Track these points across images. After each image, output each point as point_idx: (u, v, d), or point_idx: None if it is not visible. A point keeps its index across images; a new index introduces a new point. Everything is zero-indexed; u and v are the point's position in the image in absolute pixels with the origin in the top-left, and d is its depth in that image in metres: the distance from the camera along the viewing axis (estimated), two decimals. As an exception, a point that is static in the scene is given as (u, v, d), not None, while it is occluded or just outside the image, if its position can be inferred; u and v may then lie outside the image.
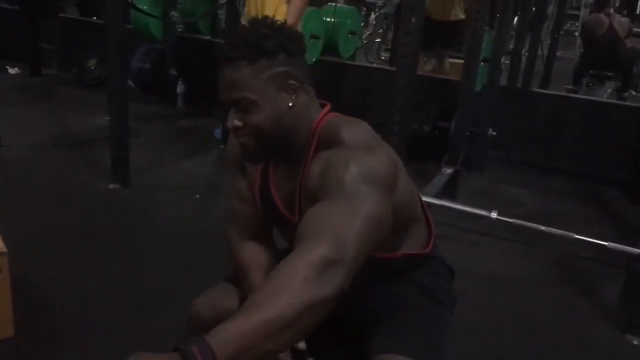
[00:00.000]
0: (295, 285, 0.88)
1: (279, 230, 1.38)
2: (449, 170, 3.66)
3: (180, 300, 1.48)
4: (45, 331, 2.13)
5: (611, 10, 6.11)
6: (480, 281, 2.69)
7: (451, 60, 5.07)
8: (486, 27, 3.91)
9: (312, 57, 4.47)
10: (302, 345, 1.29)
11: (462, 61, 4.03)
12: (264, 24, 1.17)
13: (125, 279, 2.48)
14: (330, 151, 1.13)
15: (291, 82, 1.16)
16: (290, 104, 1.17)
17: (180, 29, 5.56)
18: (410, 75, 2.66)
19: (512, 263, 2.96)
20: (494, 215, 3.12)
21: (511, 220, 3.12)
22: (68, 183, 3.45)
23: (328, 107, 1.24)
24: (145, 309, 2.27)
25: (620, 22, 5.97)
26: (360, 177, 1.05)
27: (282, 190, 1.27)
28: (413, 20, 2.52)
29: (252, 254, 1.37)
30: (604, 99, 5.15)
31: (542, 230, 3.06)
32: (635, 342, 2.36)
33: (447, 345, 1.29)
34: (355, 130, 1.16)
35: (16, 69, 5.78)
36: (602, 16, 5.89)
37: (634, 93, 5.96)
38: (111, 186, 3.38)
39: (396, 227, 1.17)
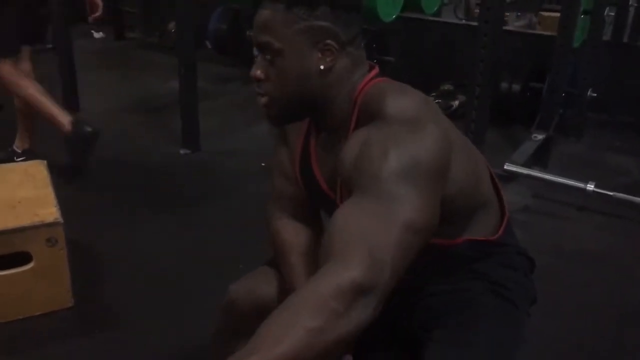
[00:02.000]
0: (320, 320, 0.77)
1: (322, 209, 1.22)
2: (540, 136, 3.32)
3: (242, 275, 1.35)
4: (103, 302, 2.10)
5: None
6: (574, 261, 2.43)
7: (546, 13, 4.62)
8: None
9: (391, 13, 4.19)
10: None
11: (558, 14, 3.62)
12: None
13: (188, 249, 2.42)
14: (369, 128, 0.96)
15: (329, 41, 1.00)
16: (322, 67, 1.01)
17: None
18: (495, 31, 2.36)
19: (611, 241, 2.64)
20: (590, 187, 2.81)
21: (611, 193, 2.80)
22: (140, 148, 3.45)
23: (376, 70, 1.07)
24: (205, 284, 2.17)
25: None
26: (400, 172, 0.89)
27: (325, 165, 1.12)
28: (499, -34, 2.21)
29: (294, 235, 1.22)
30: None
31: (647, 205, 2.72)
32: None
33: (519, 353, 1.07)
34: (402, 101, 0.98)
35: (101, 33, 5.89)
36: None
37: None
38: (182, 151, 3.35)
39: (455, 215, 1.04)
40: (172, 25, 5.54)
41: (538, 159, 3.24)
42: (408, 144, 0.92)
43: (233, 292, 1.27)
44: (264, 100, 1.05)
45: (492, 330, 1.06)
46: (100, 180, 3.00)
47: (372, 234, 0.85)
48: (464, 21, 5.73)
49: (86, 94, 3.97)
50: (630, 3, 4.34)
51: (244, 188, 2.98)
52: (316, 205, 1.22)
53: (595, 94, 3.67)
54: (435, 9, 4.76)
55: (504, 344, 1.06)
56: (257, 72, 1.03)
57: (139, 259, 2.34)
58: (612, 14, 4.16)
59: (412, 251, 0.88)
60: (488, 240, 1.12)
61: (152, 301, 2.10)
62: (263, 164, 3.26)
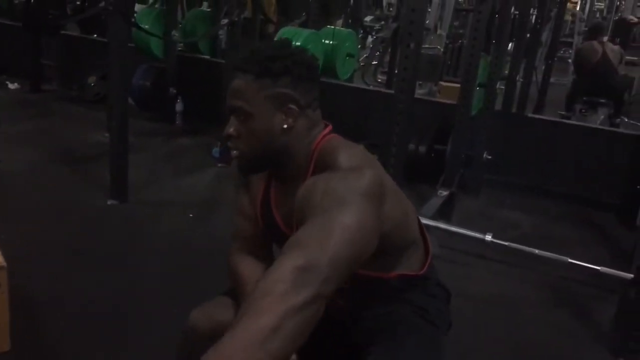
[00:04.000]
0: (270, 297, 0.88)
1: (279, 245, 1.39)
2: (445, 193, 3.69)
3: (177, 317, 1.49)
4: (40, 346, 2.13)
5: (604, 39, 6.22)
6: (474, 303, 2.71)
7: (447, 84, 5.13)
8: (482, 53, 3.98)
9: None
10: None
11: (458, 85, 4.09)
12: (278, 45, 1.23)
13: (122, 295, 2.49)
14: (321, 175, 1.14)
15: (291, 106, 1.19)
16: (285, 126, 1.19)
17: (180, 49, 5.63)
18: (409, 99, 2.71)
19: (506, 286, 2.98)
20: (488, 237, 3.16)
21: (506, 243, 3.17)
22: (66, 199, 3.46)
23: (329, 128, 1.27)
24: (141, 325, 2.28)
25: (613, 49, 6.07)
26: (339, 191, 1.05)
27: (282, 207, 1.30)
28: (412, 45, 2.57)
29: (251, 269, 1.39)
30: (597, 125, 5.23)
31: (536, 254, 3.11)
32: (629, 366, 2.38)
33: None
34: (349, 153, 1.18)
35: (16, 84, 5.81)
36: (595, 44, 6.00)
37: (625, 119, 6.04)
38: (109, 202, 3.40)
39: (390, 249, 1.21)
40: (92, 79, 5.60)
41: (443, 212, 3.59)
42: (348, 179, 1.09)
43: (193, 318, 1.40)
44: (235, 153, 1.23)
45: (417, 345, 1.28)
46: (22, 233, 2.95)
47: (313, 234, 0.99)
48: (371, 87, 6.21)
49: (6, 145, 3.94)
50: (517, 78, 4.93)
51: (172, 237, 3.08)
52: (274, 242, 1.41)
53: (490, 157, 4.13)
54: (349, 74, 5.19)
55: (428, 356, 1.29)
56: (230, 131, 1.21)
57: (74, 306, 2.39)
58: (503, 87, 4.73)
59: (352, 246, 0.99)
60: (417, 275, 1.33)
61: (88, 345, 2.15)
62: (191, 215, 3.40)
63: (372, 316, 1.34)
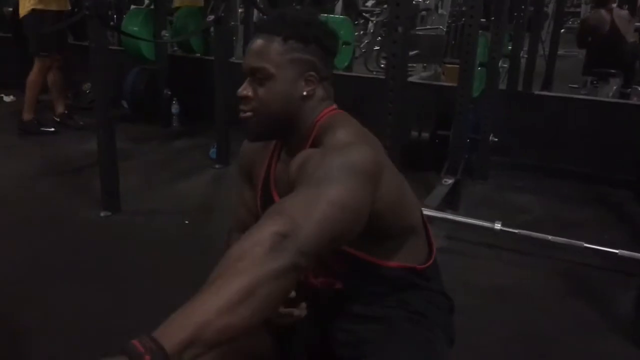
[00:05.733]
0: (247, 260, 0.86)
1: None
2: (450, 180, 3.53)
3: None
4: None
5: (613, 5, 5.96)
6: (484, 296, 2.57)
7: (452, 65, 4.95)
8: (481, 31, 3.79)
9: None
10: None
11: (457, 66, 3.92)
12: (308, 12, 1.21)
13: (113, 311, 2.37)
14: (317, 148, 1.13)
15: (312, 73, 1.18)
16: (305, 93, 1.18)
17: (175, 49, 5.50)
18: (401, 85, 2.55)
19: (518, 275, 2.82)
20: (497, 226, 3.00)
21: (516, 231, 3.01)
22: (58, 212, 3.36)
23: (334, 106, 1.24)
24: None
25: (621, 16, 5.82)
26: (332, 166, 1.03)
27: (281, 184, 1.24)
28: (399, 29, 2.41)
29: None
30: (608, 99, 5.01)
31: (549, 240, 2.94)
32: (653, 358, 2.21)
33: None
34: (350, 130, 1.15)
35: (12, 96, 5.74)
36: (604, 12, 5.75)
37: (639, 88, 5.80)
38: (102, 214, 3.29)
39: (387, 233, 1.17)
40: (86, 86, 5.51)
41: (449, 201, 3.44)
42: (344, 153, 1.06)
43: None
44: (248, 115, 1.18)
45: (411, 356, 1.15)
46: (15, 247, 2.90)
47: (297, 205, 0.96)
48: (374, 73, 6.04)
49: (-1, 159, 3.87)
50: (521, 55, 4.74)
51: (168, 247, 2.97)
52: None
53: (496, 139, 3.96)
54: (346, 64, 5.03)
55: None
56: (246, 92, 1.17)
57: (63, 324, 2.28)
58: (505, 66, 4.54)
59: (335, 223, 0.96)
60: (417, 268, 1.23)
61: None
62: (186, 222, 3.28)
63: (363, 318, 1.23)
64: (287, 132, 1.21)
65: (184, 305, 0.82)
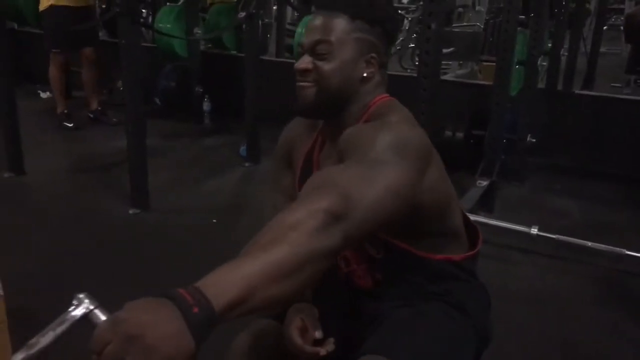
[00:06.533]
0: (299, 233, 0.83)
1: None
2: (485, 182, 3.42)
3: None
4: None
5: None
6: (521, 303, 2.48)
7: (489, 63, 4.81)
8: (520, 28, 3.66)
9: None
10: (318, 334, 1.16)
11: (494, 64, 3.79)
12: (377, 0, 1.18)
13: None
14: (372, 122, 1.14)
15: (374, 55, 1.17)
16: (365, 75, 1.17)
17: (209, 45, 5.49)
18: (434, 84, 2.46)
19: (556, 283, 2.71)
20: (534, 231, 2.89)
21: (554, 236, 2.89)
22: (88, 209, 3.38)
23: (387, 94, 1.23)
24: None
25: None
26: (389, 144, 1.02)
27: (324, 166, 1.23)
28: (433, 26, 2.32)
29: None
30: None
31: (589, 246, 2.81)
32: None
33: None
34: (400, 115, 1.16)
35: (48, 93, 5.81)
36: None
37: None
38: (131, 211, 3.28)
39: (432, 225, 1.16)
40: (120, 83, 5.54)
41: (484, 204, 3.33)
42: (400, 129, 1.07)
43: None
44: (308, 86, 1.17)
45: (437, 338, 1.12)
46: (45, 244, 2.92)
47: (355, 183, 0.93)
48: (409, 71, 5.94)
49: (32, 155, 3.89)
50: (561, 52, 4.58)
51: (196, 246, 2.93)
52: None
53: (534, 140, 3.82)
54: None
55: (447, 352, 1.12)
56: (305, 64, 1.16)
57: (89, 328, 2.27)
58: (545, 64, 4.39)
59: (386, 210, 0.95)
60: (458, 259, 1.21)
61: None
62: (214, 221, 3.25)
63: (404, 310, 1.18)
64: (339, 111, 1.19)
65: (233, 261, 0.80)
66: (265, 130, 4.20)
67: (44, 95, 5.81)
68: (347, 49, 1.15)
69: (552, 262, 2.87)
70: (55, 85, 4.90)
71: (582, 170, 3.97)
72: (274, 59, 5.41)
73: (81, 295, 0.67)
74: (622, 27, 7.65)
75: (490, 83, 3.99)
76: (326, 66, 1.15)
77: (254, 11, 3.80)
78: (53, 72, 4.84)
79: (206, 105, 5.01)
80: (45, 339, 0.66)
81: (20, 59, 5.62)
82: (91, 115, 5.05)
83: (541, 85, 4.30)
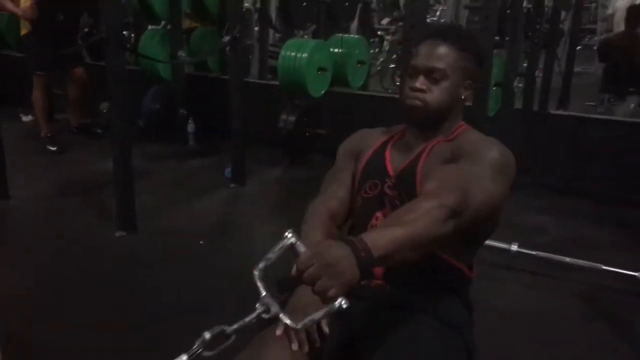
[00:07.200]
0: (430, 218, 1.13)
1: (368, 183, 1.47)
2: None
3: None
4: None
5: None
6: (502, 319, 2.53)
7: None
8: (496, 50, 3.78)
9: (320, 89, 4.40)
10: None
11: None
12: (471, 31, 1.40)
13: (128, 332, 2.37)
14: (482, 136, 1.42)
15: (471, 82, 1.43)
16: (463, 97, 1.43)
17: (190, 68, 5.54)
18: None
19: (536, 298, 2.78)
20: (514, 247, 2.98)
21: (533, 253, 2.97)
22: (75, 232, 3.38)
23: None
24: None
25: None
26: (497, 160, 1.30)
27: (396, 155, 1.47)
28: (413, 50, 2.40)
29: (317, 221, 1.48)
30: (624, 118, 4.96)
31: (567, 262, 2.90)
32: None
33: None
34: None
35: (30, 116, 5.79)
36: (630, 34, 5.70)
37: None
38: (117, 234, 3.30)
39: (475, 237, 1.41)
40: (103, 106, 5.55)
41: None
42: (503, 149, 1.34)
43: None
44: (420, 104, 1.40)
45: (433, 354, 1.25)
46: (31, 268, 2.92)
47: (472, 186, 1.22)
48: (389, 91, 6.04)
49: (17, 178, 3.90)
50: (536, 74, 4.71)
51: (183, 268, 2.96)
52: (368, 186, 1.47)
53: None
54: (361, 83, 5.03)
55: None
56: (422, 85, 1.40)
57: (78, 347, 2.27)
58: (521, 85, 4.52)
59: (483, 217, 1.26)
60: (469, 275, 1.43)
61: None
62: (201, 242, 3.27)
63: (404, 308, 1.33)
64: (440, 122, 1.43)
65: (386, 226, 1.15)
66: (251, 152, 4.26)
67: (25, 118, 5.79)
68: (456, 75, 1.40)
69: (533, 278, 2.94)
70: (38, 108, 4.93)
71: (559, 188, 4.08)
72: (257, 80, 5.48)
73: (289, 233, 1.07)
74: (595, 48, 7.88)
75: (468, 104, 4.09)
76: (439, 90, 1.40)
77: (238, 35, 3.87)
78: (36, 95, 4.88)
79: (190, 127, 5.05)
80: (273, 255, 1.08)
81: (0, 83, 5.63)
82: (74, 130, 5.11)
83: (518, 105, 4.42)
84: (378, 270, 1.35)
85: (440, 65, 1.38)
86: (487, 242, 3.01)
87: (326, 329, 1.25)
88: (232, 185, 4.17)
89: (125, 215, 3.34)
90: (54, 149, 4.87)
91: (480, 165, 1.27)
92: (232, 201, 4.05)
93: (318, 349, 1.24)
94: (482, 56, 1.49)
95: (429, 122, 1.43)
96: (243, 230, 3.56)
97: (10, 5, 4.72)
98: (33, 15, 4.53)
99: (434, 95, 1.39)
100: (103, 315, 2.52)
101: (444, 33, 1.45)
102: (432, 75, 1.39)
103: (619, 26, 7.86)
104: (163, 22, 5.21)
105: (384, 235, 1.07)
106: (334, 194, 1.52)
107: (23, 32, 4.73)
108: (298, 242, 1.06)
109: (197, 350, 1.13)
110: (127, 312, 2.55)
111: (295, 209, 3.61)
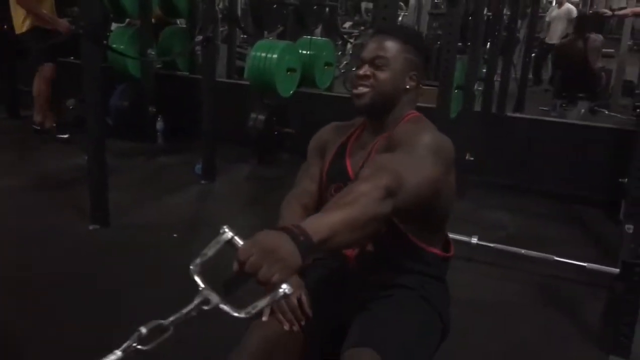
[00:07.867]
0: (367, 199, 1.15)
1: (334, 186, 1.56)
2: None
3: (169, 348, 1.44)
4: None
5: (590, 35, 6.17)
6: (461, 307, 2.61)
7: (427, 87, 5.10)
8: (458, 55, 3.97)
9: (289, 89, 4.52)
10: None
11: (435, 88, 4.08)
12: (419, 33, 1.50)
13: (102, 326, 2.35)
14: (418, 124, 1.48)
15: (416, 73, 1.51)
16: (407, 87, 1.50)
17: (158, 66, 5.59)
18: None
19: (494, 287, 2.97)
20: (474, 240, 3.16)
21: (492, 245, 3.16)
22: (47, 226, 3.40)
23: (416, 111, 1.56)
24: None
25: (595, 45, 6.06)
26: (430, 145, 1.35)
27: (355, 156, 1.55)
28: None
29: (292, 212, 1.61)
30: (575, 121, 5.25)
31: (522, 254, 3.10)
32: (620, 363, 2.37)
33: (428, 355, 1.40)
34: (433, 125, 1.50)
35: (-4, 113, 5.75)
36: (579, 42, 6.00)
37: (606, 112, 6.07)
38: (91, 227, 3.34)
39: (434, 224, 1.49)
40: (70, 102, 5.55)
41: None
42: (437, 135, 1.41)
43: None
44: (365, 90, 1.48)
45: (412, 325, 1.39)
46: (3, 260, 2.93)
47: (405, 168, 1.26)
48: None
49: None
50: (495, 79, 4.94)
51: (157, 260, 3.02)
52: (334, 183, 1.56)
53: (472, 158, 4.13)
54: (328, 84, 5.18)
55: (419, 340, 1.39)
56: (366, 72, 1.48)
57: (51, 338, 2.29)
58: (480, 88, 4.73)
59: (423, 195, 1.30)
60: (446, 256, 1.55)
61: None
62: (175, 235, 3.35)
63: (382, 285, 1.47)
64: (386, 112, 1.51)
65: (322, 212, 1.14)
66: (220, 150, 4.35)
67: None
68: (398, 65, 1.48)
69: (491, 269, 3.14)
70: (43, 100, 5.00)
71: (516, 187, 4.30)
72: (224, 80, 5.56)
73: (226, 228, 1.06)
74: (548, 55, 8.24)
75: (432, 106, 4.28)
76: (382, 75, 1.47)
77: (210, 35, 3.96)
78: (42, 87, 4.97)
79: (159, 125, 5.09)
80: (210, 251, 1.07)
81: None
82: (37, 127, 5.10)
83: (477, 108, 4.63)
84: (352, 260, 1.49)
85: (382, 53, 1.48)
86: (449, 235, 3.24)
87: (309, 311, 1.40)
88: (202, 182, 4.25)
89: (98, 209, 3.38)
90: (66, 136, 5.00)
91: (413, 151, 1.33)
92: (203, 197, 4.13)
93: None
94: (428, 52, 1.57)
95: (375, 111, 1.51)
96: (215, 224, 3.63)
97: (53, 21, 4.77)
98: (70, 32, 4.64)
99: (377, 80, 1.47)
100: (75, 307, 2.53)
101: (391, 29, 1.57)
102: (375, 62, 1.48)
103: (555, 34, 8.34)
104: (127, 20, 5.25)
105: (321, 220, 1.09)
106: (306, 188, 1.63)
107: (27, 28, 4.78)
108: (235, 237, 1.04)
109: (132, 344, 1.10)
110: (100, 303, 2.56)
111: (264, 205, 3.79)
